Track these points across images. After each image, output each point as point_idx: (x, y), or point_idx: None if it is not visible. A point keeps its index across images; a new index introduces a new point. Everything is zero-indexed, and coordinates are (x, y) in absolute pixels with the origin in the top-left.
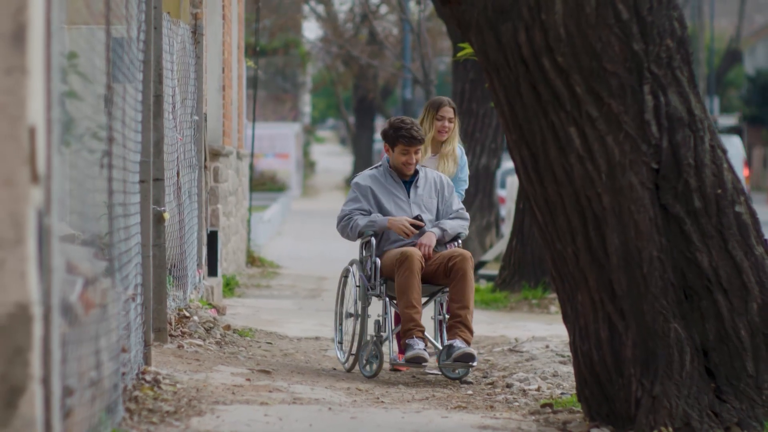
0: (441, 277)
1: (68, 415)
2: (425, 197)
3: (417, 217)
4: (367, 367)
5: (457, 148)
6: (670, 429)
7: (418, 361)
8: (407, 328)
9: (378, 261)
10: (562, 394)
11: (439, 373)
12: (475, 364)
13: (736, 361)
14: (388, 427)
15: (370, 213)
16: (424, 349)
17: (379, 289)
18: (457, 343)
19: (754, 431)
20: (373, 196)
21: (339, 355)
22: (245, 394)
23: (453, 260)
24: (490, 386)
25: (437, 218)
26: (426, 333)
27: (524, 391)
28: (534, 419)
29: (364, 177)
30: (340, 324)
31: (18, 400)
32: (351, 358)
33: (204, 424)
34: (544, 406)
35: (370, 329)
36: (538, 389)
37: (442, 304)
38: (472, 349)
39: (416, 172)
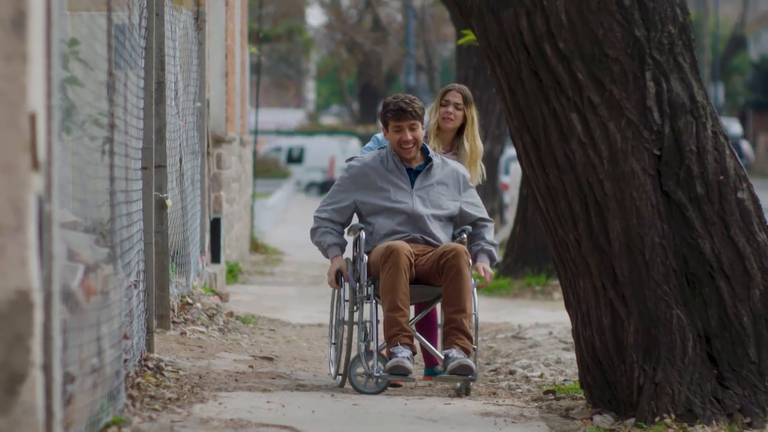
0: (435, 276)
1: (69, 401)
2: (434, 190)
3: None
4: (368, 383)
5: (479, 145)
6: (673, 415)
7: (401, 371)
8: (391, 334)
9: (366, 258)
10: (565, 380)
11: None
12: (473, 377)
13: (739, 347)
14: (390, 414)
15: (342, 225)
16: (410, 358)
17: (366, 290)
18: (454, 353)
19: (757, 417)
20: (367, 184)
21: (330, 368)
22: (248, 381)
23: (445, 257)
24: (493, 373)
25: (449, 218)
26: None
27: (527, 377)
28: (537, 406)
29: (361, 160)
30: (335, 334)
31: (19, 387)
32: (340, 377)
33: (206, 411)
34: (546, 392)
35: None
36: (541, 376)
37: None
38: (469, 361)
39: (429, 159)
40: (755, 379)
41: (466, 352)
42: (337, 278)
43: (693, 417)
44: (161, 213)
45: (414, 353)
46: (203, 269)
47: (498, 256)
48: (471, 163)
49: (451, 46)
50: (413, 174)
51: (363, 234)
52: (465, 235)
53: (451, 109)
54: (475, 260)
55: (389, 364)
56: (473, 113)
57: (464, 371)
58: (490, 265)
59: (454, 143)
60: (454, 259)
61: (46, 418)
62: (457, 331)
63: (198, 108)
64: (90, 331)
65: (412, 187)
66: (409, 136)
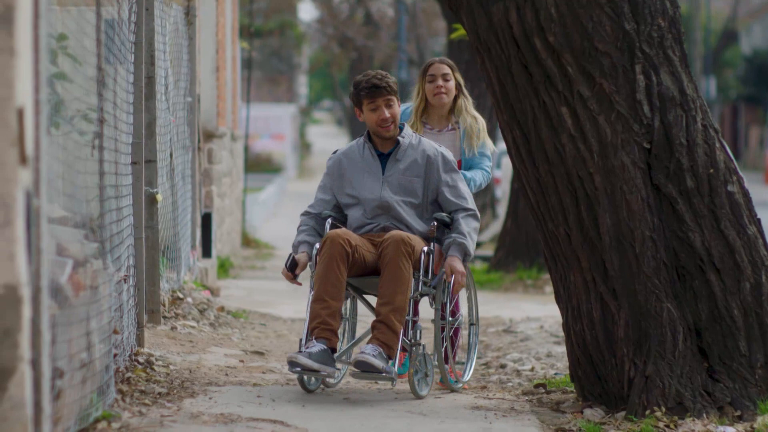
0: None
1: (58, 396)
2: (404, 175)
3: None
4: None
5: (474, 113)
6: (663, 409)
7: (295, 365)
8: (312, 328)
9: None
10: (555, 374)
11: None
12: (380, 374)
13: (729, 340)
14: (380, 408)
15: (323, 218)
16: (316, 353)
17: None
18: (367, 347)
19: (747, 410)
20: (342, 176)
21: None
22: (238, 376)
23: (381, 246)
24: (483, 366)
25: (424, 203)
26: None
27: (518, 371)
28: (527, 399)
29: (338, 154)
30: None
31: (7, 382)
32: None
33: (197, 406)
34: (537, 386)
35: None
36: (531, 369)
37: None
38: (368, 357)
39: (397, 142)
40: (746, 372)
41: (388, 347)
42: (292, 269)
43: (683, 410)
44: (151, 208)
45: (332, 348)
46: (194, 264)
47: (473, 249)
48: (481, 133)
49: (442, 41)
50: (385, 159)
51: (328, 224)
52: (434, 224)
53: (440, 82)
54: (445, 255)
55: (289, 355)
56: (459, 78)
57: (361, 366)
58: (465, 260)
59: (449, 119)
60: (388, 248)
61: (34, 413)
62: (380, 324)
63: (189, 103)
64: (79, 325)
65: (383, 174)
66: (387, 113)
